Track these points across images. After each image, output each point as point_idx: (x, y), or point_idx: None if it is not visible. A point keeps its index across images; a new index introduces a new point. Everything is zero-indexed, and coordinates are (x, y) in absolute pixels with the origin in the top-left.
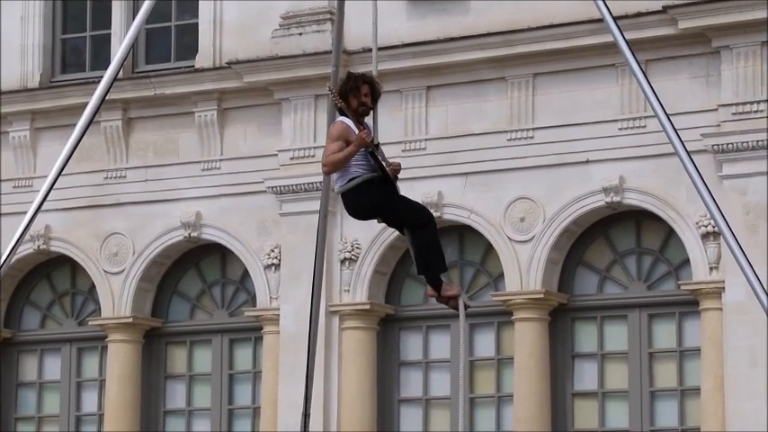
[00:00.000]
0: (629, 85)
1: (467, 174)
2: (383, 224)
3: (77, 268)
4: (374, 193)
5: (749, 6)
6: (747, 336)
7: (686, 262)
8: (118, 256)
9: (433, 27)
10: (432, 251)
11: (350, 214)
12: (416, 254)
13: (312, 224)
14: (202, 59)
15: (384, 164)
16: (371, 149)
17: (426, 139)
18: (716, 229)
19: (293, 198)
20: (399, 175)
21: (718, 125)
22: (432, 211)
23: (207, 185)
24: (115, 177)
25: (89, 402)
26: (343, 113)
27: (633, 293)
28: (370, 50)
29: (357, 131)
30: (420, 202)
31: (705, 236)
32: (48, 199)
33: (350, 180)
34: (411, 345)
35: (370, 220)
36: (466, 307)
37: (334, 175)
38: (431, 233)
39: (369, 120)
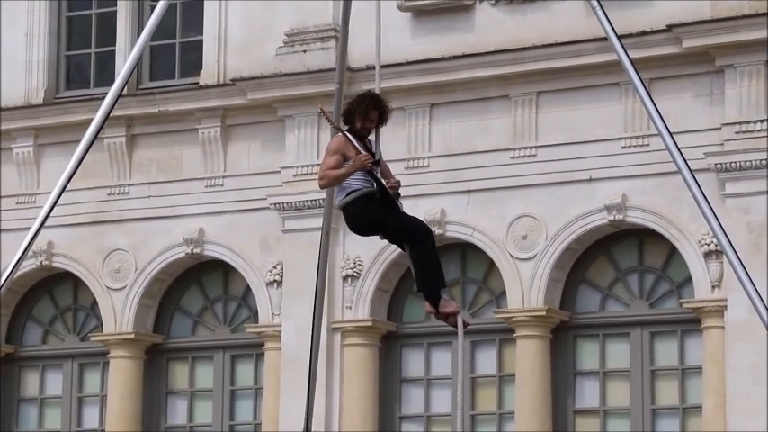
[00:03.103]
0: (632, 103)
1: (470, 191)
2: (385, 241)
3: (80, 284)
4: (372, 208)
5: (753, 26)
6: (749, 354)
7: (688, 280)
8: (120, 272)
9: (437, 45)
10: (430, 267)
11: (350, 229)
12: (415, 270)
13: (315, 241)
14: (206, 76)
15: (384, 180)
16: (370, 168)
17: (430, 157)
18: (718, 247)
19: (296, 215)
20: (402, 192)
21: (722, 144)
22: (434, 228)
23: (210, 202)
24: (118, 194)
25: (90, 418)
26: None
27: (635, 311)
28: (374, 68)
29: (357, 147)
30: (422, 219)
31: (707, 254)
32: (51, 215)
33: (348, 194)
34: (413, 362)
35: (372, 237)
36: (465, 324)
37: (336, 190)
38: (429, 249)
39: (372, 135)
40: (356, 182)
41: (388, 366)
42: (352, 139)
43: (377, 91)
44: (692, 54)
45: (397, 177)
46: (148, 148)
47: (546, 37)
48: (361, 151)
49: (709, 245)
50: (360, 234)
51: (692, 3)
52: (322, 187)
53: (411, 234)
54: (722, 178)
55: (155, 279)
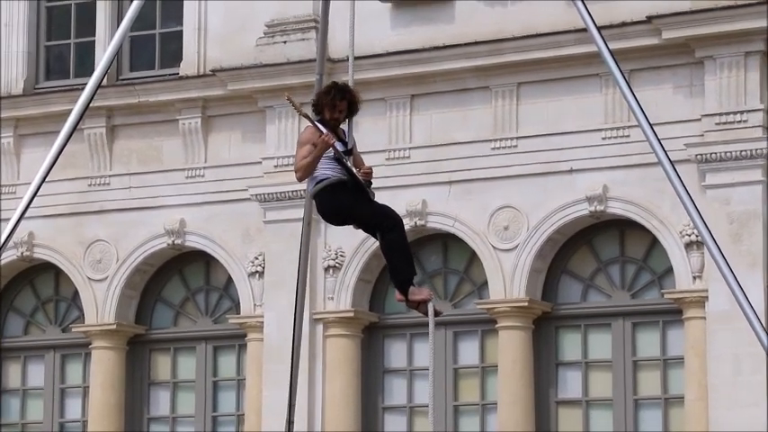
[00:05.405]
0: (612, 94)
1: (451, 182)
2: (367, 231)
3: (61, 275)
4: (341, 196)
5: (733, 17)
6: (730, 344)
7: (670, 271)
8: (101, 262)
9: (417, 35)
10: (399, 255)
11: (323, 218)
12: (386, 258)
13: (296, 232)
14: (186, 67)
15: (354, 169)
16: (338, 156)
17: (410, 148)
18: (699, 238)
19: (277, 206)
20: (381, 183)
21: (702, 135)
22: (416, 219)
23: (191, 193)
24: (99, 184)
25: (73, 409)
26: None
27: (617, 302)
28: (355, 59)
29: (322, 131)
30: (403, 209)
31: (688, 245)
32: (31, 206)
33: (317, 183)
34: (395, 352)
35: (352, 228)
36: (436, 312)
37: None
38: (398, 237)
39: (345, 125)
40: (326, 170)
41: (370, 357)
42: (319, 126)
43: (350, 82)
44: (672, 45)
45: (369, 165)
46: (129, 139)
47: (526, 28)
48: (324, 132)
49: (689, 236)
50: (331, 223)
51: None
52: (299, 180)
53: (380, 222)
54: (702, 169)
55: (136, 270)
